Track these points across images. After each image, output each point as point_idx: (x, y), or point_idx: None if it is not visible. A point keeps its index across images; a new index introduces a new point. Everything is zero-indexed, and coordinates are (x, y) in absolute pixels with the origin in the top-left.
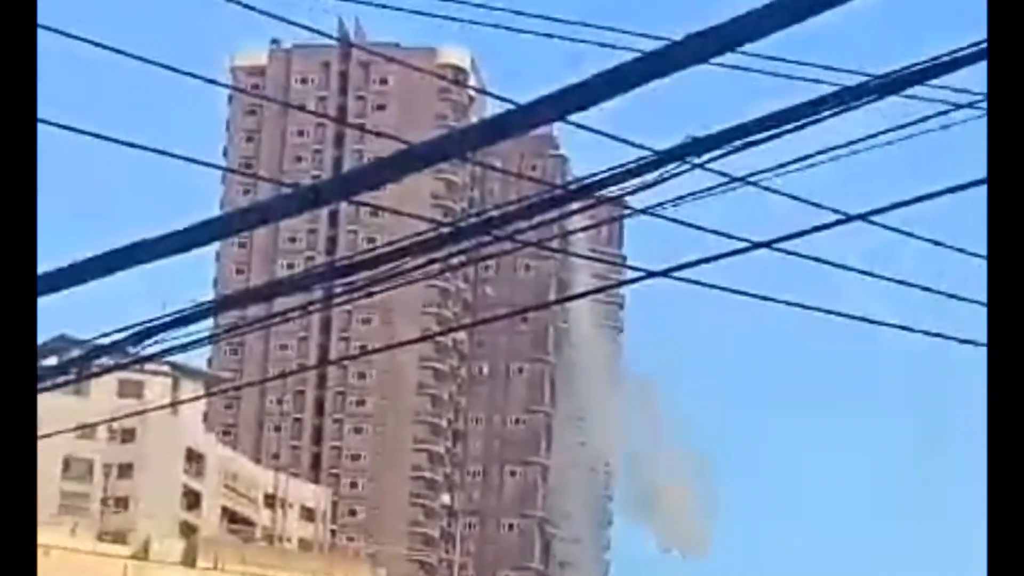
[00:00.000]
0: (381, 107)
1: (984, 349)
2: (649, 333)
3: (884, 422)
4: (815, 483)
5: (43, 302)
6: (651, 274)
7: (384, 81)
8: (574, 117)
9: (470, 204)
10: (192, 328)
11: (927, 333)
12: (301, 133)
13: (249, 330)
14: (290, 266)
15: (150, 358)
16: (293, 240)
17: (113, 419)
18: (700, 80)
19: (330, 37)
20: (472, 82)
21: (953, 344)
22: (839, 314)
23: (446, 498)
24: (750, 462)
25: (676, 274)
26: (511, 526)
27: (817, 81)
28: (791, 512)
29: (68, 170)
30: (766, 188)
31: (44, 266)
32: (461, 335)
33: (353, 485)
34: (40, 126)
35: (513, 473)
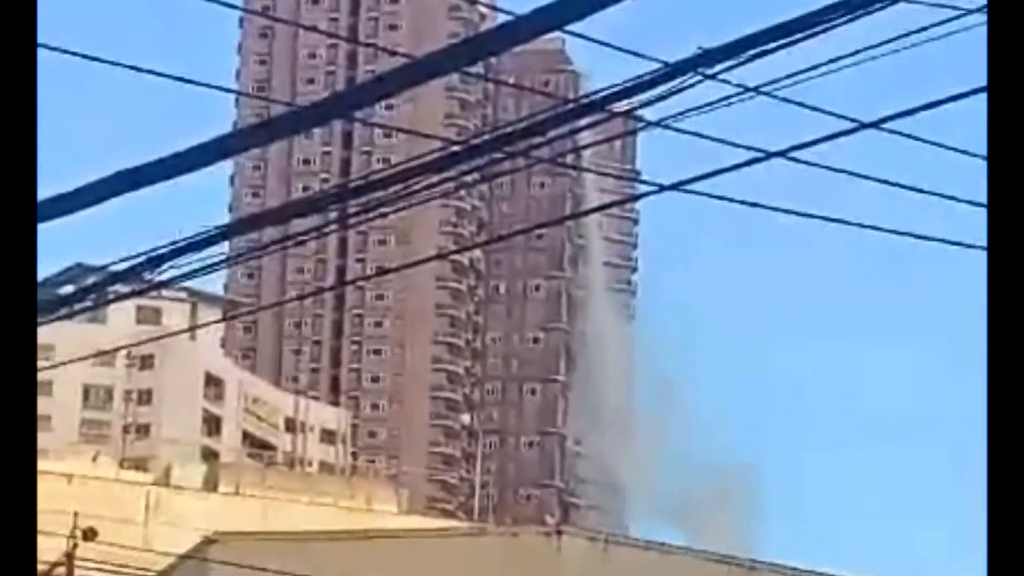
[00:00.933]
0: (393, 27)
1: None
2: (663, 248)
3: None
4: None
5: (59, 230)
6: (663, 188)
7: (394, 1)
8: (583, 30)
9: (483, 122)
10: (208, 252)
11: (929, 238)
12: (313, 56)
13: (265, 253)
14: (305, 188)
15: (166, 283)
16: (307, 162)
17: (131, 344)
18: None
19: None
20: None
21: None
22: (852, 223)
23: (466, 418)
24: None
25: (689, 187)
26: (531, 444)
27: None
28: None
29: (79, 97)
30: (778, 98)
31: (56, 190)
32: (477, 254)
33: (373, 407)
34: (52, 53)
35: (532, 391)
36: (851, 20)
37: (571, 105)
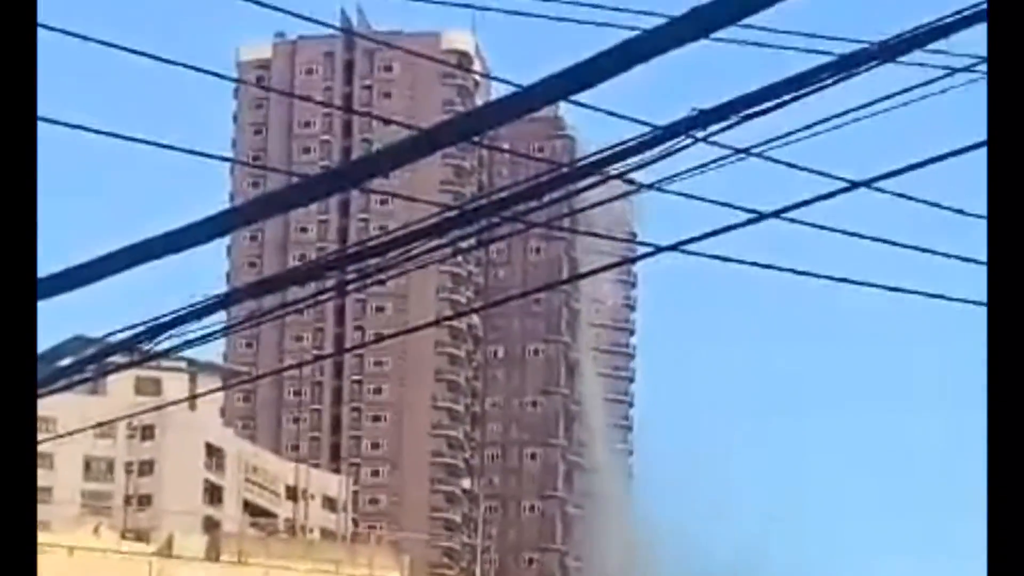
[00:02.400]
0: (387, 95)
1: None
2: (663, 309)
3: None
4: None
5: (58, 303)
6: (660, 249)
7: (389, 69)
8: (579, 97)
9: (479, 188)
10: (206, 321)
11: (924, 294)
12: (308, 124)
13: (263, 320)
14: (302, 257)
15: (165, 353)
16: (304, 231)
17: (131, 415)
18: (702, 54)
19: (333, 27)
20: (476, 66)
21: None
22: (849, 281)
23: (466, 483)
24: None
25: (686, 248)
26: (532, 508)
27: (817, 51)
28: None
29: (79, 171)
30: (770, 159)
31: (57, 266)
32: (475, 320)
33: (374, 473)
34: (49, 126)
35: (532, 455)
36: (840, 80)
37: (565, 169)
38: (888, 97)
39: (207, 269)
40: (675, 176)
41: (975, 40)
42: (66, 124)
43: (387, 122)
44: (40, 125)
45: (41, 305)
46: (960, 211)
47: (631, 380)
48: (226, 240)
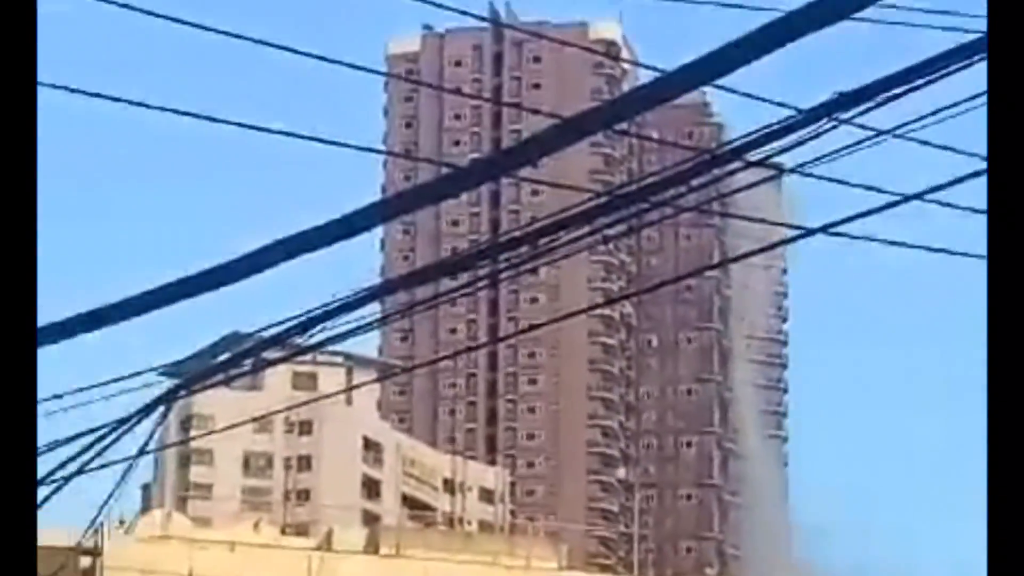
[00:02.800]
0: (536, 86)
1: None
2: (814, 295)
3: None
4: None
5: (213, 299)
6: (809, 232)
7: (537, 60)
8: (724, 83)
9: (629, 176)
10: (360, 313)
11: None
12: (458, 117)
13: (417, 311)
14: (454, 249)
15: (319, 346)
16: (456, 224)
17: (289, 408)
18: (843, 36)
19: (481, 19)
20: (624, 55)
21: None
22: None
23: (622, 472)
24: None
25: (836, 230)
26: (688, 496)
27: (957, 29)
28: None
29: (236, 167)
30: (913, 139)
31: (213, 260)
32: (628, 308)
33: (530, 464)
34: (209, 124)
35: (688, 444)
36: (981, 60)
37: (711, 155)
38: None
39: (361, 263)
40: (819, 159)
41: None
42: (224, 121)
43: (536, 112)
44: (198, 123)
45: (196, 302)
46: None
47: (784, 367)
48: (379, 234)
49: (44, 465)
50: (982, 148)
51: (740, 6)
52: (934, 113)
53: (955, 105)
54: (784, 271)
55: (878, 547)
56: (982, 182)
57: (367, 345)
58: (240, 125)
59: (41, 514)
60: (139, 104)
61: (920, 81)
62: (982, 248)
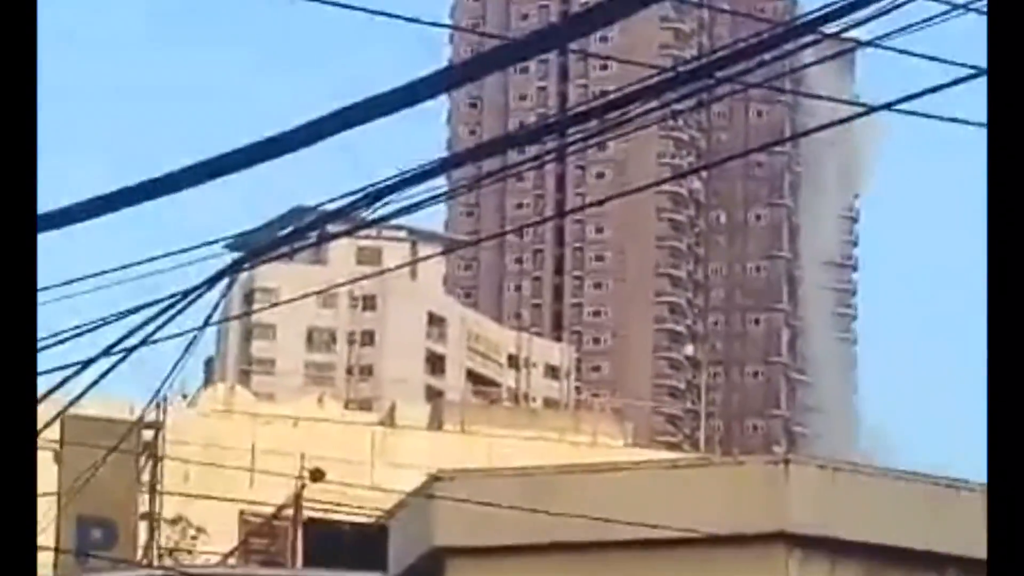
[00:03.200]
0: None
1: None
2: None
3: None
4: None
5: (277, 171)
6: (874, 108)
7: None
8: None
9: (699, 51)
10: (425, 186)
11: None
12: None
13: (483, 184)
14: (521, 123)
15: (385, 219)
16: (523, 98)
17: (353, 281)
18: None
19: None
20: None
21: None
22: None
23: (689, 349)
24: None
25: (902, 108)
26: (756, 374)
27: None
28: None
29: (308, 44)
30: (986, 13)
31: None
32: (696, 184)
33: (595, 341)
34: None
35: (756, 321)
36: None
37: (783, 28)
38: None
39: (429, 137)
40: (893, 33)
41: None
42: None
43: None
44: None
45: (260, 171)
46: None
47: (855, 244)
48: (446, 107)
49: (110, 335)
50: None
51: None
52: None
53: None
54: (854, 148)
55: (938, 452)
56: None
57: (433, 219)
58: (332, 3)
59: (104, 384)
60: None
61: None
62: None
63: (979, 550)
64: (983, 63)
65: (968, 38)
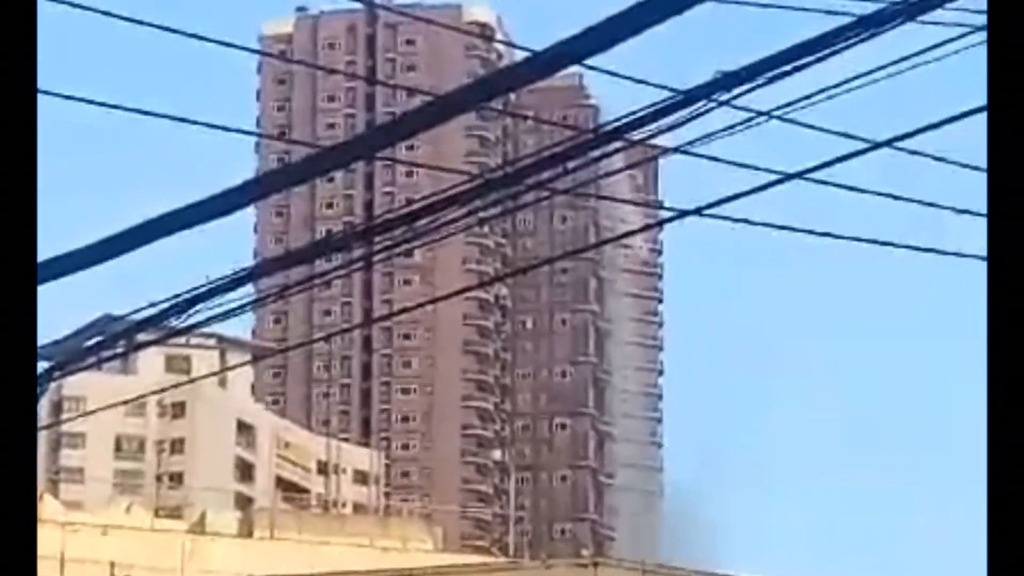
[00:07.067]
0: (410, 68)
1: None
2: (691, 276)
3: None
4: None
5: (84, 281)
6: (684, 213)
7: (411, 42)
8: (601, 64)
9: (504, 159)
10: (233, 295)
11: (945, 252)
12: (332, 99)
13: (291, 292)
14: (328, 232)
15: (193, 328)
16: (330, 206)
17: (162, 390)
18: (723, 16)
19: (355, 0)
20: (499, 37)
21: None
22: (871, 241)
23: (497, 454)
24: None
25: (710, 212)
26: (563, 478)
27: (838, 12)
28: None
29: (101, 146)
30: (793, 122)
31: (75, 243)
32: (503, 290)
33: (404, 447)
34: (77, 104)
35: (563, 426)
36: (862, 41)
37: (589, 136)
38: (907, 57)
39: (234, 246)
40: (699, 140)
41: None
42: (90, 101)
43: (411, 93)
44: (65, 104)
45: (68, 282)
46: (975, 167)
47: (660, 348)
48: (253, 217)
49: None
50: (863, 129)
51: None
52: (815, 95)
53: (835, 87)
54: (659, 252)
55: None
56: (863, 161)
57: (241, 327)
58: (112, 107)
59: None
60: None
61: (801, 62)
62: (862, 229)
63: None
64: (790, 169)
65: (772, 145)
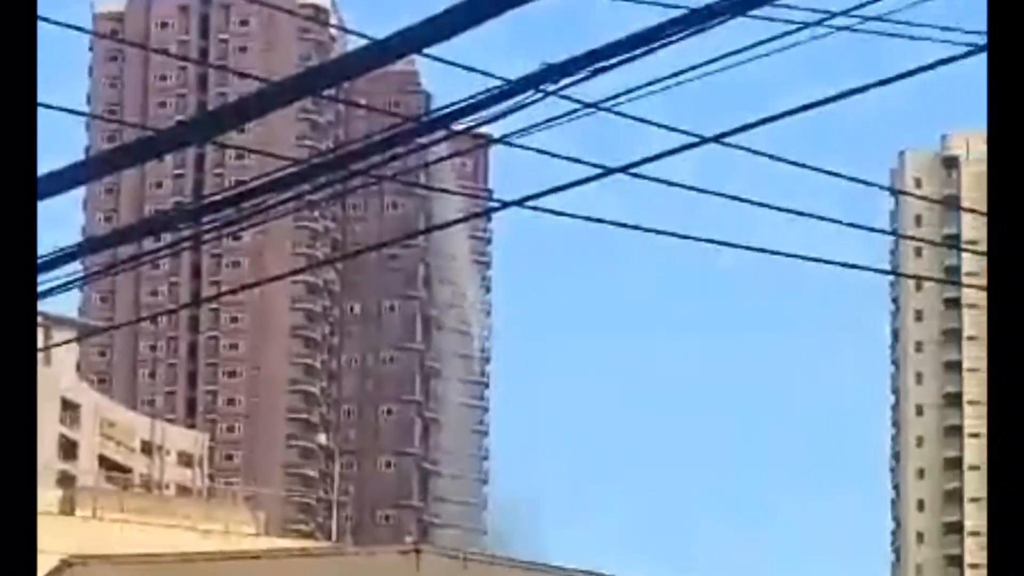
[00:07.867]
0: (243, 49)
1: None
2: (518, 266)
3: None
4: None
5: None
6: (508, 204)
7: (245, 23)
8: (436, 52)
9: (335, 143)
10: (59, 272)
11: (774, 252)
12: (164, 78)
13: (118, 270)
14: (158, 211)
15: None
16: (159, 186)
17: None
18: (561, 9)
19: None
20: (333, 22)
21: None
22: (696, 239)
23: (322, 438)
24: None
25: (534, 204)
26: (388, 464)
27: (668, 5)
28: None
29: None
30: (621, 114)
31: None
32: (332, 275)
33: (230, 429)
34: None
35: (389, 411)
36: (691, 35)
37: (416, 123)
38: (739, 51)
39: (63, 223)
40: (524, 130)
41: None
42: None
43: (243, 76)
44: None
45: None
46: (803, 165)
47: (488, 337)
48: (82, 194)
49: None
50: (690, 123)
51: None
52: (640, 87)
53: (663, 80)
54: (488, 241)
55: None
56: (690, 155)
57: (67, 304)
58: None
59: None
60: None
61: (629, 55)
62: (685, 224)
63: None
64: (613, 164)
65: (600, 136)
